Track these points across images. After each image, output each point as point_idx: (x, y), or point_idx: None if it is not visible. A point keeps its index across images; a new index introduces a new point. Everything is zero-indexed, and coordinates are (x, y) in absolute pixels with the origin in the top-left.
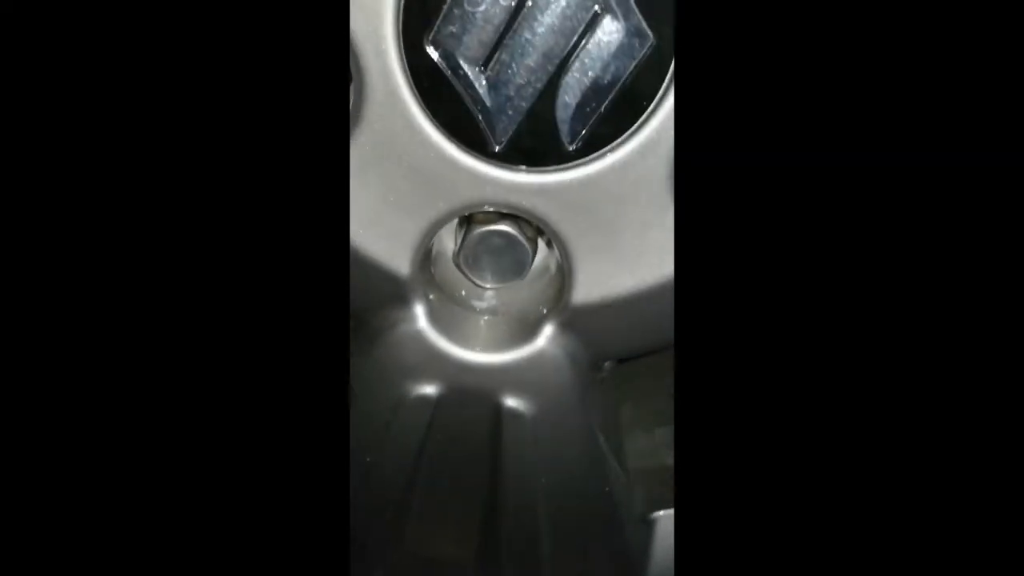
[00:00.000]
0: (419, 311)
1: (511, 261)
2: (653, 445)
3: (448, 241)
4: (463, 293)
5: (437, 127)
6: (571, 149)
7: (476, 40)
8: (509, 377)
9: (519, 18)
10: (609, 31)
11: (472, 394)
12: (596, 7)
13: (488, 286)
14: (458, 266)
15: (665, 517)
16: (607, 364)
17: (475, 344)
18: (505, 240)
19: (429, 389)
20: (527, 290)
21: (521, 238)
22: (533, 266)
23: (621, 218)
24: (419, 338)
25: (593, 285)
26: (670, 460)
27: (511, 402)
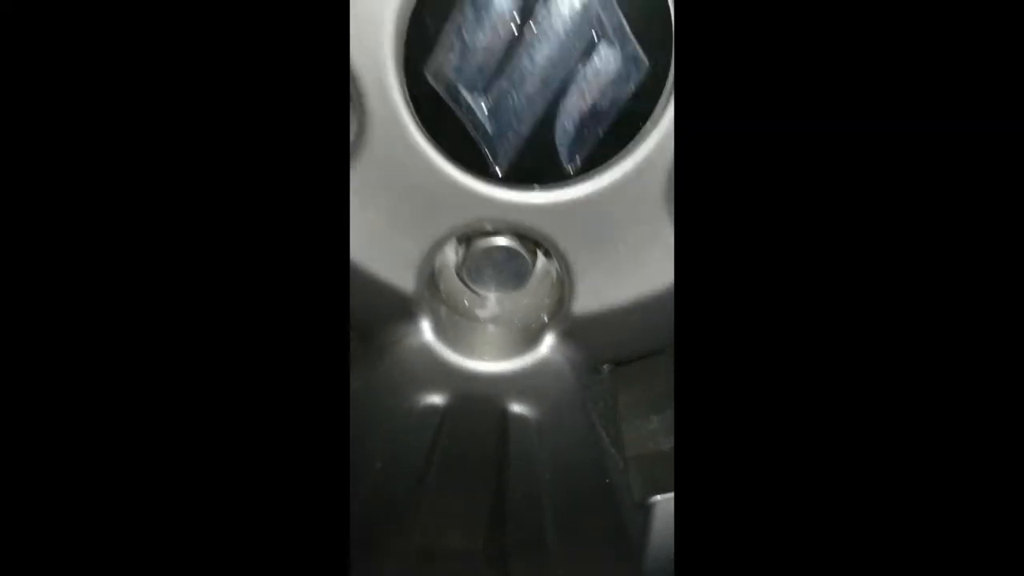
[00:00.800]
0: (424, 325)
1: (512, 273)
2: (649, 432)
3: (450, 253)
4: (466, 303)
5: (439, 152)
6: (570, 171)
7: (476, 68)
8: (514, 384)
9: (518, 47)
10: (606, 59)
11: (478, 401)
12: (593, 35)
13: (490, 294)
14: (461, 278)
15: (663, 501)
16: (605, 367)
17: (480, 354)
18: (506, 253)
19: (437, 398)
20: (528, 299)
21: (522, 250)
22: (534, 275)
23: (618, 235)
24: (426, 350)
25: (592, 296)
26: (666, 446)
27: (516, 407)
